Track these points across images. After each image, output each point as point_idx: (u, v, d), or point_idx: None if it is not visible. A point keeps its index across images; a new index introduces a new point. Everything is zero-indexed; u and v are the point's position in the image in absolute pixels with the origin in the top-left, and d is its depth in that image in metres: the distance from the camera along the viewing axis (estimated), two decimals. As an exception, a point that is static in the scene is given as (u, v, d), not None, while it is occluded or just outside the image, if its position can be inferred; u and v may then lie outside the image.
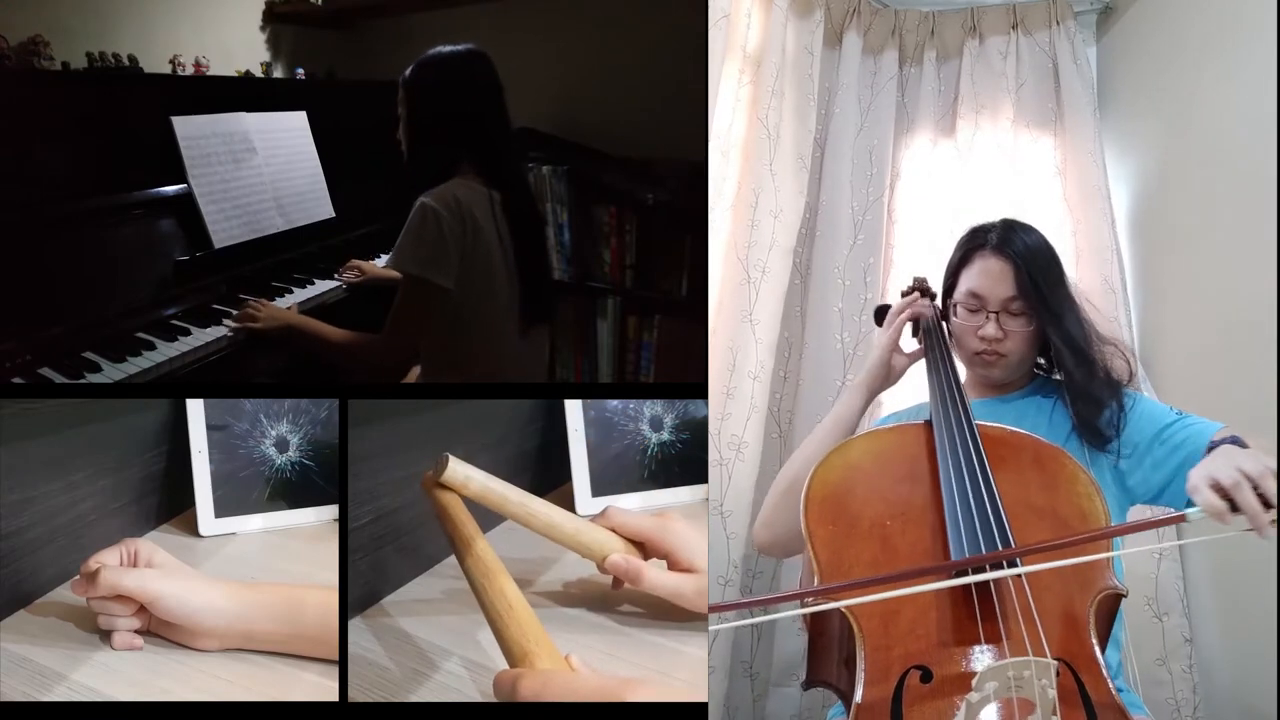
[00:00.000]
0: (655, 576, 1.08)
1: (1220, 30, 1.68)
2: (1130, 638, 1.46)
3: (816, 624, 1.01)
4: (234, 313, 1.79)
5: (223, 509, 1.31)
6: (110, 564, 1.04)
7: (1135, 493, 1.24)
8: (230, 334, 1.74)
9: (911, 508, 1.09)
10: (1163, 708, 1.70)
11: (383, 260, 2.27)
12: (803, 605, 1.02)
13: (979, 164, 2.05)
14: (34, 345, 1.51)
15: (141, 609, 1.04)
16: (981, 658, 0.89)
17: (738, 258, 1.88)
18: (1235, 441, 1.08)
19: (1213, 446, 1.10)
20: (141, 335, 1.66)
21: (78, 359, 1.54)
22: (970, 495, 1.04)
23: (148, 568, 1.06)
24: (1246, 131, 1.54)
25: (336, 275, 2.06)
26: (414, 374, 1.85)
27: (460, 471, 1.04)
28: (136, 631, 1.04)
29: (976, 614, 0.93)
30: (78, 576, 1.04)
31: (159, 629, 1.05)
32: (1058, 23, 2.06)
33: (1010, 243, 1.30)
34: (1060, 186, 2.04)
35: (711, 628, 1.30)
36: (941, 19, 2.14)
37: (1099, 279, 1.88)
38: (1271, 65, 1.41)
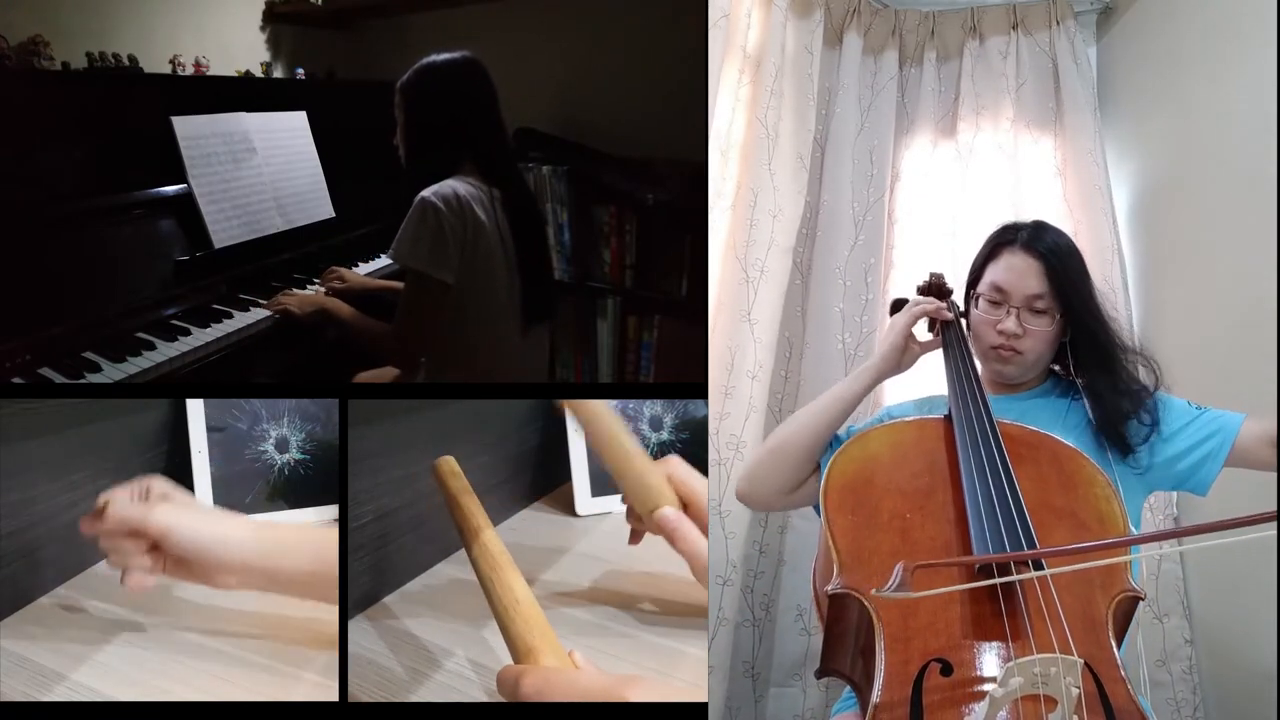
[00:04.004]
0: (694, 538, 1.05)
1: (1220, 30, 1.68)
2: (1140, 641, 1.46)
3: (833, 613, 1.01)
4: (234, 313, 1.79)
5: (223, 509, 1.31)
6: (121, 499, 1.00)
7: (1153, 481, 1.25)
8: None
9: (931, 501, 1.09)
10: (1163, 708, 1.70)
11: (383, 260, 2.27)
12: (819, 596, 1.00)
13: (979, 164, 2.05)
14: (34, 345, 1.50)
15: (154, 548, 0.99)
16: (1003, 653, 0.89)
17: (736, 257, 1.88)
18: None
19: None
20: (141, 335, 1.66)
21: (78, 359, 1.54)
22: (993, 492, 1.04)
23: (163, 501, 1.01)
24: (1247, 131, 1.54)
25: (318, 283, 2.05)
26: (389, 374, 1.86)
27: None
28: (151, 573, 0.99)
29: (1001, 610, 0.92)
30: (89, 513, 1.00)
31: (175, 570, 1.00)
32: (1058, 23, 2.06)
33: (1041, 240, 1.31)
34: (1060, 186, 2.04)
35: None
36: (941, 19, 2.14)
37: (1099, 279, 1.87)
38: (1271, 65, 1.41)
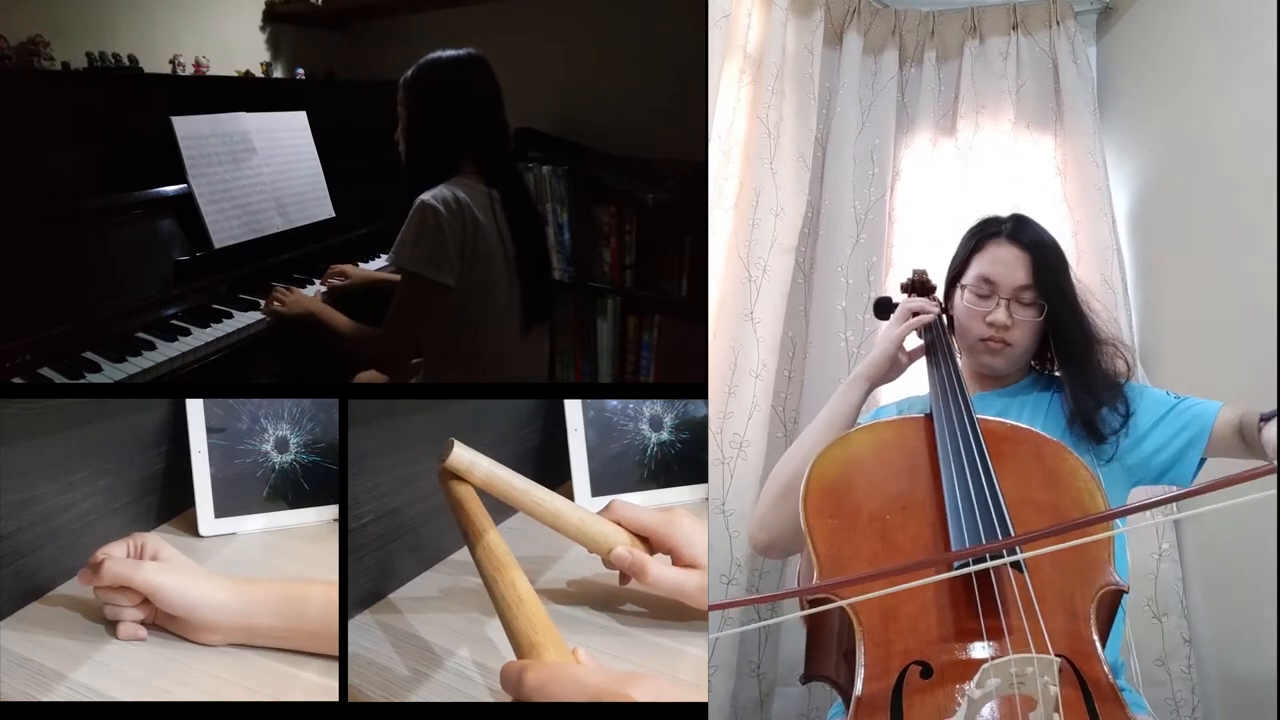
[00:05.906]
0: (660, 572, 1.07)
1: (1220, 30, 1.68)
2: (1131, 638, 1.46)
3: (815, 618, 1.00)
4: (234, 313, 1.80)
5: (223, 509, 1.31)
6: (116, 556, 1.05)
7: (1136, 473, 1.25)
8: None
9: (912, 501, 1.08)
10: (1162, 708, 1.70)
11: (382, 260, 2.27)
12: (802, 605, 1.01)
13: (979, 164, 2.05)
14: (34, 345, 1.50)
15: (146, 601, 1.05)
16: (982, 653, 0.89)
17: (739, 256, 1.88)
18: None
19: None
20: (141, 335, 1.66)
21: (78, 359, 1.54)
22: (971, 488, 1.04)
23: (153, 561, 1.07)
24: (1246, 131, 1.54)
25: (320, 281, 2.05)
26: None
27: (465, 457, 1.04)
28: (141, 623, 1.06)
29: (978, 609, 0.92)
30: (85, 568, 1.05)
31: (164, 622, 1.06)
32: (1058, 23, 2.06)
33: (1025, 232, 1.33)
34: (1060, 186, 2.04)
35: (711, 635, 1.29)
36: (941, 19, 2.14)
37: (1099, 279, 1.88)
38: (1271, 65, 1.41)
